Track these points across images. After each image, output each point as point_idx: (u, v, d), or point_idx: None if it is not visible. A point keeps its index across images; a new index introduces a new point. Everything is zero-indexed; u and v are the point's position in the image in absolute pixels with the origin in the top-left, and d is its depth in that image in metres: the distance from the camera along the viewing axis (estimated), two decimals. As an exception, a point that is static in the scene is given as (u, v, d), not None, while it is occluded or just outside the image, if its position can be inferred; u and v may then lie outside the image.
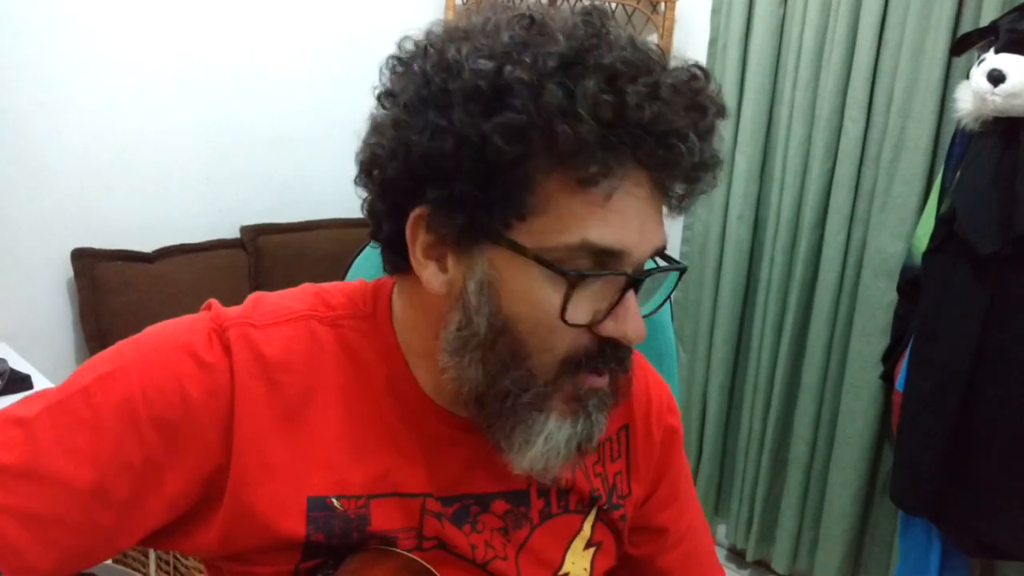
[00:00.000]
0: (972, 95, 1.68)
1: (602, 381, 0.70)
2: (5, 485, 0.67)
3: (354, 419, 0.75)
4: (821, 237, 2.26)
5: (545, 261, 0.64)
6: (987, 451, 1.68)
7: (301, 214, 2.32)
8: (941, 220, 1.75)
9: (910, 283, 1.91)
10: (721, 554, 2.67)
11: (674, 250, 2.60)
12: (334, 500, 0.74)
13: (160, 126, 2.15)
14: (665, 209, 0.68)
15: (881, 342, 2.10)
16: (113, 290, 2.03)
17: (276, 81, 2.24)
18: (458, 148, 0.63)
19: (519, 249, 0.64)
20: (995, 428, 1.67)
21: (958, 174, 1.74)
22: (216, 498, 0.72)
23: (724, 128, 0.69)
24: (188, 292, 2.09)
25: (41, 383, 1.80)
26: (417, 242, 0.69)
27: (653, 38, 2.60)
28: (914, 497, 1.79)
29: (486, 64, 0.62)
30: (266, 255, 2.28)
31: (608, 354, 0.69)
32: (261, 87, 2.27)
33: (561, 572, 0.83)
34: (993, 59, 1.64)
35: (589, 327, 0.67)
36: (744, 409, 2.48)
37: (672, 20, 2.53)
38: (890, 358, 2.01)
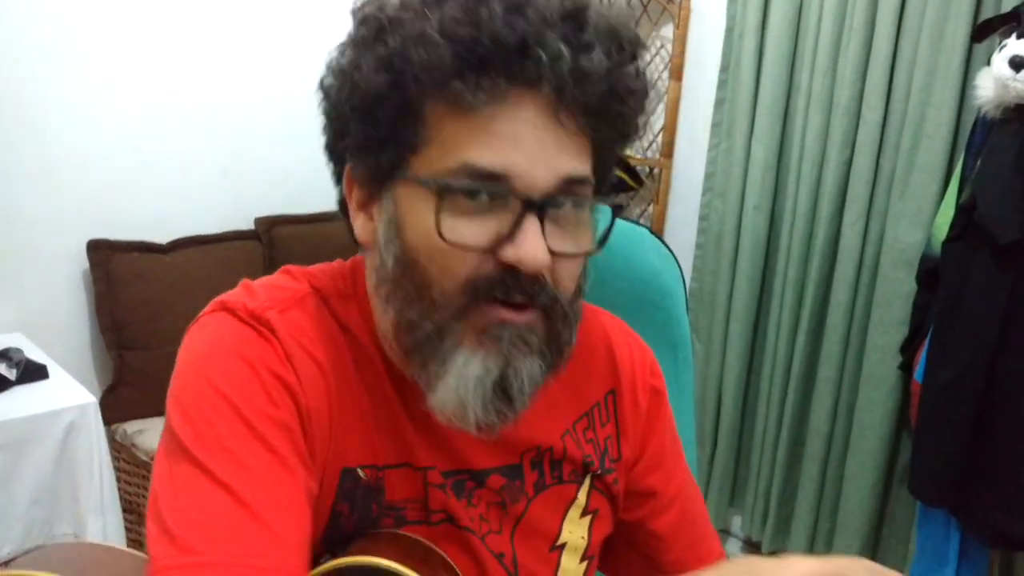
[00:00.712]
0: (993, 82, 1.66)
1: (513, 315, 0.68)
2: None
3: (361, 394, 0.76)
4: (839, 227, 2.24)
5: (425, 182, 0.66)
6: (1007, 441, 1.66)
7: (315, 205, 2.32)
8: (961, 209, 1.73)
9: (929, 273, 1.89)
10: (736, 545, 2.66)
11: (689, 240, 2.58)
12: (359, 470, 0.74)
13: (175, 120, 2.16)
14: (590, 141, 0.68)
15: (899, 333, 2.08)
16: (128, 281, 2.04)
17: (291, 75, 2.24)
18: (350, 92, 0.67)
19: (411, 178, 0.67)
20: (1016, 418, 1.65)
21: (979, 162, 1.71)
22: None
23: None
24: (203, 283, 2.10)
25: (57, 373, 1.81)
26: (352, 199, 0.72)
27: (669, 28, 2.58)
28: (933, 488, 1.77)
29: (376, 12, 0.67)
30: (280, 246, 2.28)
31: (511, 284, 0.66)
32: (276, 81, 2.27)
33: (559, 542, 0.83)
34: (1015, 45, 1.62)
35: (487, 251, 0.66)
36: (760, 401, 2.47)
37: (688, 10, 2.51)
38: (909, 348, 2.00)
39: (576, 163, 0.67)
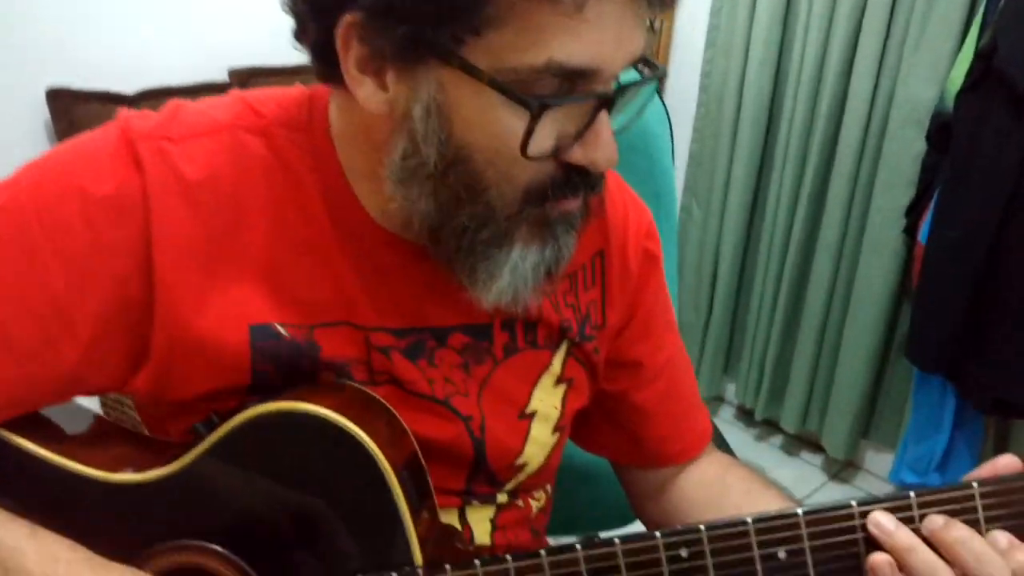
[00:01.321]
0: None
1: (573, 204, 0.63)
2: None
3: (293, 242, 0.68)
4: (847, 85, 2.10)
5: (504, 86, 0.55)
6: (1011, 306, 1.59)
7: (294, 58, 2.19)
8: (979, 55, 1.60)
9: (940, 129, 1.77)
10: (729, 413, 2.64)
11: (690, 98, 2.45)
12: (279, 327, 0.67)
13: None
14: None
15: (906, 196, 1.98)
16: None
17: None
18: None
19: (473, 71, 0.55)
20: (1021, 282, 1.58)
21: (1002, 2, 1.58)
22: (141, 339, 0.65)
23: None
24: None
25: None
26: (350, 54, 0.59)
27: None
28: (931, 354, 1.72)
29: None
30: (258, 101, 2.16)
31: (576, 182, 0.61)
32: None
33: (528, 410, 0.77)
34: None
35: (554, 156, 0.59)
36: (758, 267, 2.39)
37: None
38: (914, 211, 1.90)
39: (642, 35, 0.58)
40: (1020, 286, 1.58)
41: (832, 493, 2.32)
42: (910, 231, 1.92)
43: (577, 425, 0.90)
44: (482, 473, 0.76)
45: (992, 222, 1.56)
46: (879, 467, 2.34)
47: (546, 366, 0.77)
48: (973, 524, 0.59)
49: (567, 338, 0.78)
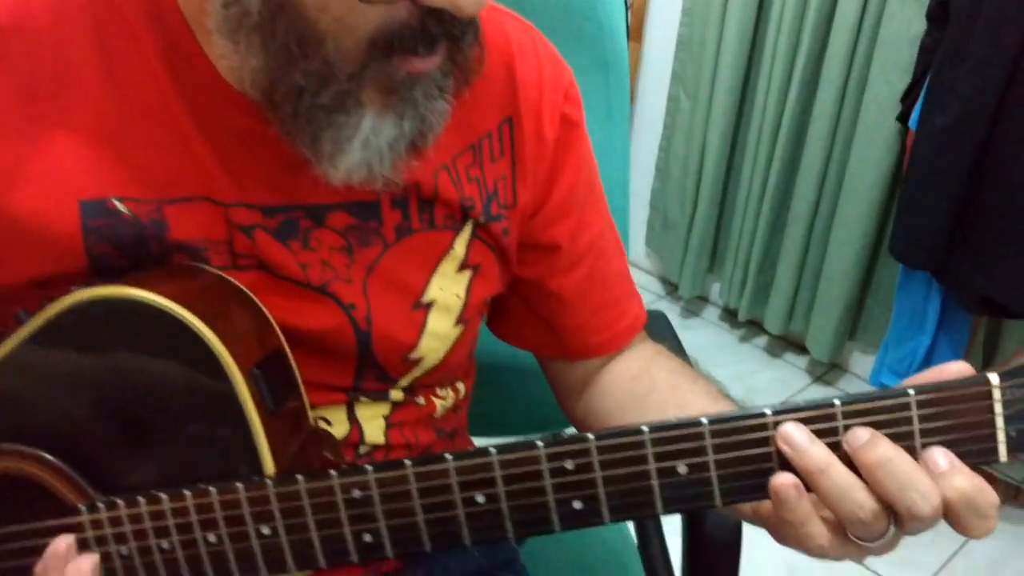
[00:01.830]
0: None
1: (428, 64, 0.52)
2: None
3: (132, 103, 0.58)
4: (845, -41, 1.94)
5: None
6: (1001, 200, 1.48)
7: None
8: (984, -84, 1.44)
9: (942, 5, 1.62)
10: (714, 314, 2.56)
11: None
12: (117, 203, 0.58)
13: None
14: None
15: (903, 82, 1.84)
16: None
17: None
18: None
19: None
20: (1013, 173, 1.46)
21: None
22: None
23: None
24: None
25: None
26: None
27: None
28: (916, 249, 1.62)
29: None
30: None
31: (434, 30, 0.51)
32: None
33: (424, 299, 0.67)
34: None
35: None
36: (746, 159, 2.26)
37: None
38: (910, 96, 1.76)
39: None
40: (1012, 178, 1.46)
41: (814, 395, 2.24)
42: (904, 119, 1.79)
43: (494, 314, 0.81)
44: (371, 368, 0.68)
45: (985, 109, 1.44)
46: (865, 369, 2.27)
47: (447, 250, 0.68)
48: (907, 439, 0.50)
49: (471, 218, 0.68)
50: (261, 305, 0.61)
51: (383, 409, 0.71)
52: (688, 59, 2.31)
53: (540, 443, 0.53)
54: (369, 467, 0.55)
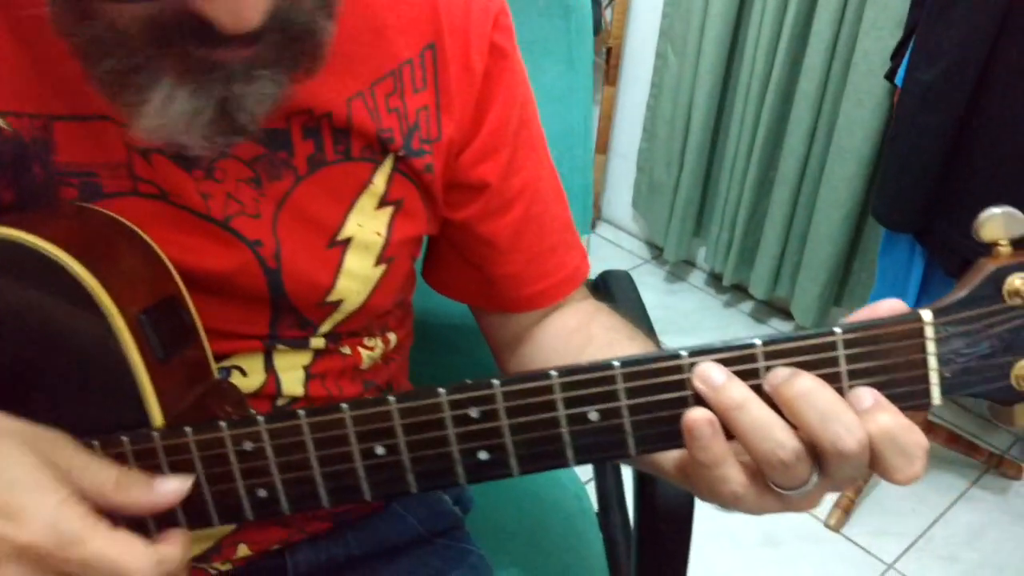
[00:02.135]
0: None
1: (230, 55, 0.47)
2: None
3: (20, 22, 0.54)
4: (838, -91, 1.87)
5: None
6: (988, 159, 1.42)
7: None
8: None
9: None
10: (700, 278, 2.52)
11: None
12: None
13: None
14: None
15: (894, 38, 1.77)
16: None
17: None
18: None
19: None
20: (1000, 133, 1.40)
21: None
22: None
23: None
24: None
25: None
26: None
27: None
28: (899, 211, 1.56)
29: None
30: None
31: (215, 35, 0.45)
32: None
33: (340, 236, 0.63)
34: None
35: None
36: (733, 118, 2.21)
37: None
38: (900, 53, 1.70)
39: None
40: (998, 137, 1.41)
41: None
42: (892, 76, 1.73)
43: (426, 262, 0.77)
44: (286, 313, 0.64)
45: (974, 63, 1.38)
46: (851, 335, 2.23)
47: (365, 184, 0.63)
48: (834, 380, 0.46)
49: (390, 151, 0.63)
50: (156, 248, 0.57)
51: (303, 359, 0.67)
52: (676, 16, 2.25)
53: (442, 390, 0.49)
54: (261, 417, 0.51)
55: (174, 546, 0.49)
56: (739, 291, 2.41)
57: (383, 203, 0.64)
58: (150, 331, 0.53)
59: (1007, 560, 1.75)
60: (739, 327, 2.34)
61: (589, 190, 1.09)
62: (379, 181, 0.64)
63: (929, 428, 1.87)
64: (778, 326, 2.33)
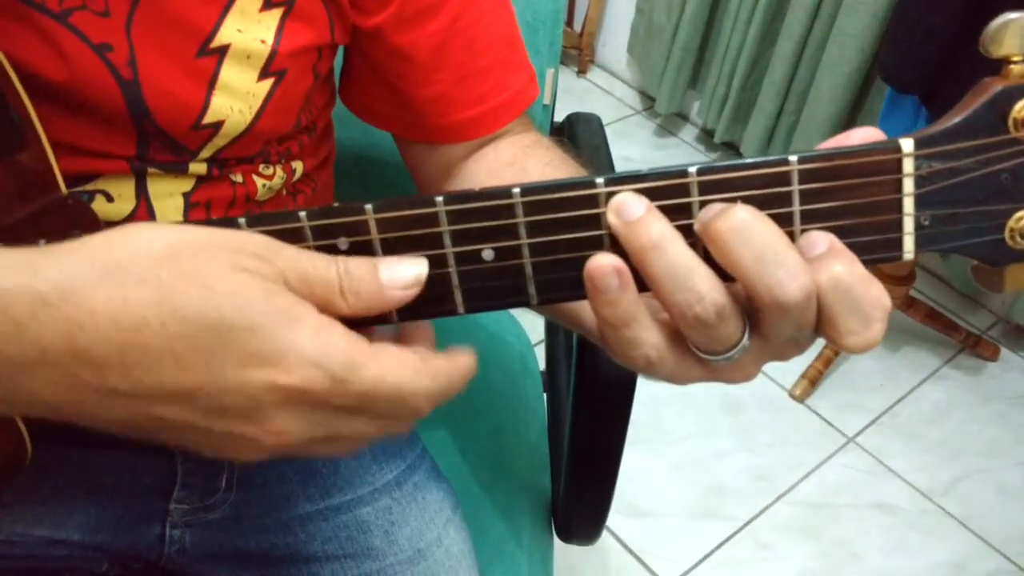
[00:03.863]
0: None
1: None
2: None
3: None
4: None
5: None
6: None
7: None
8: None
9: None
10: (691, 133, 2.39)
11: None
12: None
13: None
14: None
15: None
16: None
17: None
18: None
19: None
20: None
21: None
22: None
23: None
24: None
25: None
26: None
27: None
28: (907, 69, 1.43)
29: None
30: None
31: None
32: None
33: (213, 44, 0.52)
34: None
35: None
36: (741, -40, 2.03)
37: None
38: None
39: None
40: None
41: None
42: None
43: (343, 80, 0.66)
44: (155, 134, 0.53)
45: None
46: (842, 203, 2.13)
47: None
48: (784, 222, 0.37)
49: None
50: None
51: (182, 185, 0.57)
52: None
53: (303, 214, 0.40)
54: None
55: (455, 360, 0.39)
56: (730, 149, 2.29)
57: (269, 3, 0.53)
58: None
59: (969, 441, 1.72)
60: (726, 187, 2.23)
61: (560, 16, 0.95)
62: None
63: (909, 303, 1.80)
64: (767, 189, 2.23)
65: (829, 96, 1.92)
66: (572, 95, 2.45)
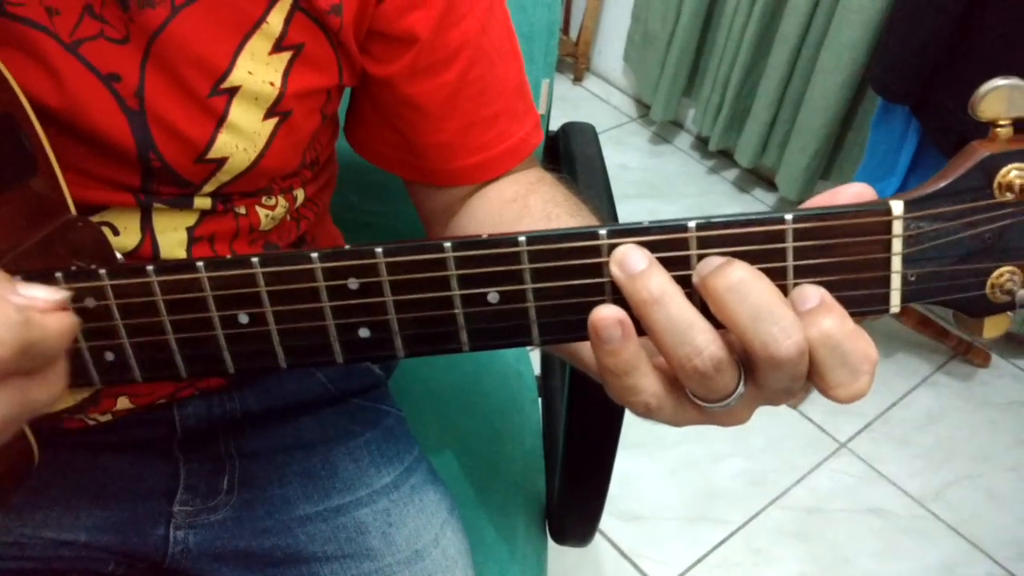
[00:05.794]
0: None
1: None
2: None
3: None
4: None
5: None
6: (999, 30, 1.31)
7: None
8: None
9: None
10: (686, 141, 2.41)
11: None
12: None
13: None
14: None
15: None
16: None
17: None
18: None
19: None
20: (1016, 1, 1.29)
21: None
22: None
23: None
24: None
25: None
26: None
27: None
28: (898, 78, 1.45)
29: None
30: None
31: None
32: None
33: (226, 84, 0.54)
34: None
35: None
36: (736, -31, 2.05)
37: None
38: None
39: None
40: (1013, 4, 1.29)
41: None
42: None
43: (349, 121, 0.68)
44: (159, 165, 0.55)
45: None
46: (835, 210, 2.15)
47: (257, 21, 0.53)
48: (777, 276, 0.39)
49: None
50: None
51: (186, 220, 0.59)
52: None
53: (315, 255, 0.42)
54: (103, 271, 0.43)
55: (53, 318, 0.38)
56: (725, 158, 2.31)
57: (279, 47, 0.55)
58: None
59: (960, 446, 1.74)
60: (721, 195, 2.25)
61: (555, 28, 0.97)
62: (275, 20, 0.54)
63: (902, 310, 1.82)
64: (761, 197, 2.25)
65: (822, 104, 1.94)
66: (568, 103, 2.47)
